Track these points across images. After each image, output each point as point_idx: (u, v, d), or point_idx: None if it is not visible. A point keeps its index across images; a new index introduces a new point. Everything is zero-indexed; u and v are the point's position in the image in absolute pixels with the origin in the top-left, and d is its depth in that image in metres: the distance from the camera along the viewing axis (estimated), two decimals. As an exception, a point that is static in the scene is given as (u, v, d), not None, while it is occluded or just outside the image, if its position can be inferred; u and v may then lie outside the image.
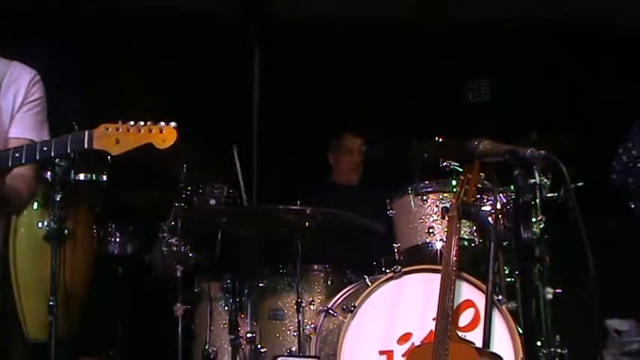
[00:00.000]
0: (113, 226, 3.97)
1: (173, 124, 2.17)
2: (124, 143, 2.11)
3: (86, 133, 2.12)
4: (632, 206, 3.05)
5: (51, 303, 3.20)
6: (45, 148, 2.11)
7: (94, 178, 3.59)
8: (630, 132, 3.05)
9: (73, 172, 3.50)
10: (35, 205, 3.58)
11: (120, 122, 2.14)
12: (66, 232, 3.42)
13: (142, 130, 2.13)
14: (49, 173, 3.44)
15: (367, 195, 4.17)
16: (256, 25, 4.84)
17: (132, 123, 2.15)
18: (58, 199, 3.36)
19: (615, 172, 2.97)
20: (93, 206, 3.87)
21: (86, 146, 2.12)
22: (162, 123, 2.17)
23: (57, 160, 3.43)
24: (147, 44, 4.64)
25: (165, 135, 2.13)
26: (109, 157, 3.45)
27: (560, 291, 3.28)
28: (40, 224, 3.54)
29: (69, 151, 2.15)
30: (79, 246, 3.66)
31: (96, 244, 3.89)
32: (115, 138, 2.11)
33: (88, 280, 3.78)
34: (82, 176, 3.55)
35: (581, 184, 3.10)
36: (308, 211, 3.28)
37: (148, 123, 2.16)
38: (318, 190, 4.19)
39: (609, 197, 3.75)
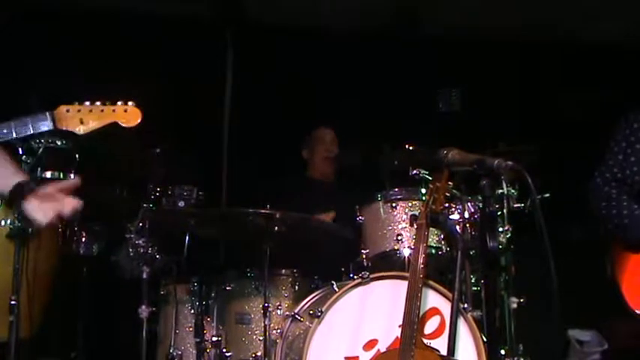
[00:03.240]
0: (79, 225, 3.91)
1: (131, 103, 2.14)
2: (89, 123, 2.09)
3: (47, 113, 2.09)
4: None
5: (12, 302, 3.14)
6: (5, 130, 2.06)
7: (61, 176, 3.53)
8: (603, 157, 3.10)
9: (39, 169, 3.45)
10: (-1, 203, 3.51)
11: (76, 103, 2.11)
12: (30, 230, 3.36)
13: (105, 110, 2.10)
14: (15, 170, 3.38)
15: (342, 192, 4.20)
16: (231, 28, 4.84)
17: (87, 103, 2.12)
18: (23, 196, 3.30)
19: (591, 195, 3.02)
20: (59, 205, 3.81)
21: (49, 127, 2.08)
22: (130, 102, 2.14)
23: (24, 157, 3.37)
24: (119, 44, 4.60)
25: (129, 115, 2.10)
26: (76, 155, 3.43)
27: (524, 301, 3.33)
28: (3, 222, 3.47)
29: (31, 131, 2.10)
30: (43, 245, 3.59)
31: (61, 244, 3.83)
32: (78, 118, 2.08)
33: (51, 280, 3.72)
34: (48, 174, 3.49)
35: (547, 195, 3.15)
36: (277, 215, 3.28)
37: (108, 103, 2.13)
38: (292, 186, 4.19)
39: (574, 208, 3.81)
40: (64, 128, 2.11)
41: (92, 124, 2.11)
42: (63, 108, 2.10)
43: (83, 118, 2.09)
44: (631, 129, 3.06)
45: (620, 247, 3.09)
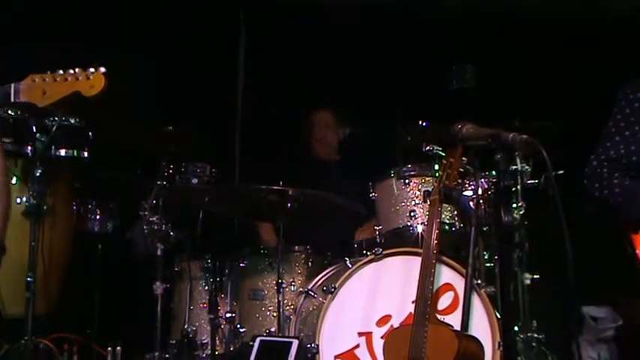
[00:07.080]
0: (94, 203, 3.95)
1: (102, 69, 2.06)
2: (51, 94, 2.01)
3: (12, 85, 2.03)
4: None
5: (29, 279, 3.18)
6: None
7: (75, 154, 3.55)
8: (601, 138, 3.00)
9: (53, 147, 3.47)
10: (14, 181, 3.54)
11: (48, 72, 2.05)
12: (45, 208, 3.39)
13: (69, 78, 2.02)
14: (29, 148, 3.41)
15: (345, 171, 4.18)
16: (243, 6, 4.81)
17: (60, 72, 2.05)
18: (37, 174, 3.33)
19: (586, 178, 2.93)
20: (73, 182, 3.84)
21: (12, 99, 2.03)
22: (92, 69, 2.06)
23: (37, 135, 3.39)
24: (130, 22, 4.58)
25: (92, 81, 2.02)
26: (90, 132, 3.44)
27: (538, 277, 3.32)
28: (19, 200, 3.50)
29: None
30: (58, 222, 3.63)
31: (75, 221, 3.86)
32: (41, 89, 2.02)
33: (66, 257, 3.76)
34: (62, 152, 3.51)
35: (561, 172, 3.12)
36: (290, 192, 3.28)
37: (76, 70, 2.06)
38: (297, 165, 4.19)
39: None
40: (26, 100, 2.05)
41: (54, 96, 2.03)
42: (30, 78, 2.04)
43: (46, 89, 2.02)
44: (631, 108, 2.93)
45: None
